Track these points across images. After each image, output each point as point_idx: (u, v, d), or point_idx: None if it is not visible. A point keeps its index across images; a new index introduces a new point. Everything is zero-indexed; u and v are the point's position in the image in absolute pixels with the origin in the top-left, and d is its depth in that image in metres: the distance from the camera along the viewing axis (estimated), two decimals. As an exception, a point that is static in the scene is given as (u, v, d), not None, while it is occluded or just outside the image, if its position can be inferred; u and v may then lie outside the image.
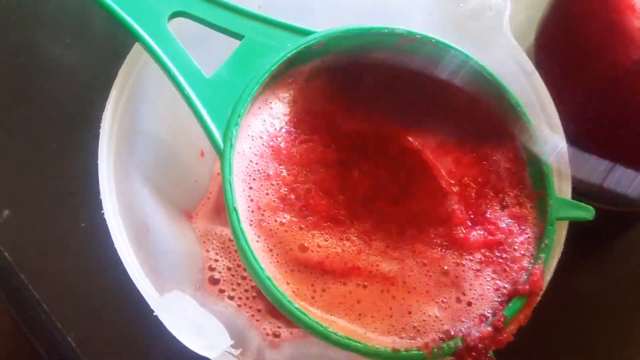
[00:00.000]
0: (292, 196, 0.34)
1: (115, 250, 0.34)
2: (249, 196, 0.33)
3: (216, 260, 0.45)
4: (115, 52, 0.37)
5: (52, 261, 0.47)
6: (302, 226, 0.33)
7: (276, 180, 0.34)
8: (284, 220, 0.33)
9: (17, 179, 0.49)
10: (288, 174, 0.34)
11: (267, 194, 0.34)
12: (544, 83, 0.38)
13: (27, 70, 0.52)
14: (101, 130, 0.35)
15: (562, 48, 0.44)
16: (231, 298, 0.44)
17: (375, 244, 0.34)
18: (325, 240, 0.34)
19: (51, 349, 0.45)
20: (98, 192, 0.35)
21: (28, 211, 0.48)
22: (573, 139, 0.38)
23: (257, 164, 0.34)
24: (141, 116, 0.38)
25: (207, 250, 0.45)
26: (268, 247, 0.33)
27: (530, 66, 0.38)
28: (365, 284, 0.33)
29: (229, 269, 0.45)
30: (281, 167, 0.34)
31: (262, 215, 0.33)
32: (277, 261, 0.32)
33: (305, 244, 0.33)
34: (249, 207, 0.33)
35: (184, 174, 0.45)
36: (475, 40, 0.38)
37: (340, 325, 0.32)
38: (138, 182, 0.38)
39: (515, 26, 0.39)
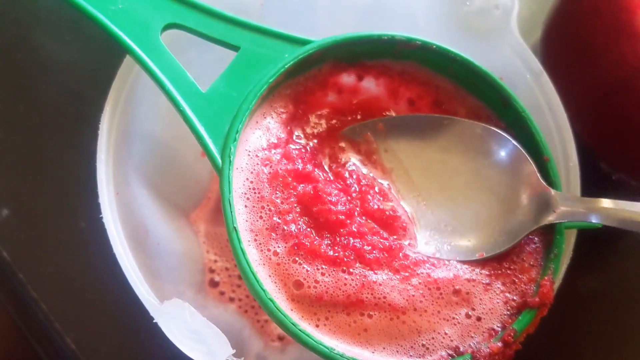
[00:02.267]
0: (285, 227, 0.32)
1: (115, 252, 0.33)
2: (244, 215, 0.32)
3: (215, 262, 0.44)
4: (114, 50, 0.36)
5: (51, 261, 0.46)
6: (297, 259, 0.32)
7: (268, 205, 0.33)
8: (278, 250, 0.32)
9: (15, 179, 0.48)
10: (282, 202, 0.33)
11: (260, 217, 0.32)
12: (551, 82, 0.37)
13: (25, 68, 0.51)
14: (99, 132, 0.34)
15: (569, 47, 0.44)
16: (231, 300, 0.43)
17: (381, 276, 0.33)
18: (323, 275, 0.32)
19: (50, 349, 0.45)
20: (97, 192, 0.34)
21: (27, 211, 0.47)
22: (580, 138, 0.37)
23: (251, 182, 0.33)
24: (140, 117, 0.37)
25: (207, 252, 0.45)
26: (267, 273, 0.32)
27: (538, 66, 0.37)
28: (371, 314, 0.32)
29: (227, 269, 0.44)
30: (276, 194, 0.33)
31: (256, 238, 0.32)
32: (278, 288, 0.31)
33: (301, 280, 0.31)
34: (245, 227, 0.32)
35: (183, 174, 0.44)
36: (481, 40, 0.38)
37: (346, 348, 0.31)
38: (137, 184, 0.37)
39: (519, 24, 0.38)
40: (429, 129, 0.36)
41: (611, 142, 0.44)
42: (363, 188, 0.35)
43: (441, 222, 0.36)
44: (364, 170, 0.36)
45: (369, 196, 0.35)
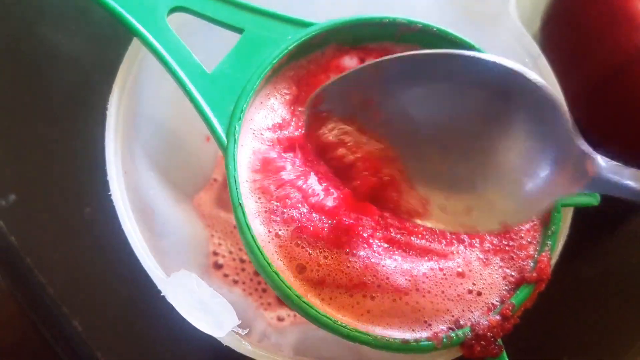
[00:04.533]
0: (284, 210, 0.33)
1: (120, 235, 0.34)
2: (247, 193, 0.33)
3: (220, 245, 0.45)
4: (119, 38, 0.36)
5: (58, 246, 0.47)
6: (299, 242, 0.32)
7: (267, 189, 0.33)
8: (279, 232, 0.32)
9: (22, 164, 0.49)
10: (276, 188, 0.33)
11: (259, 198, 0.33)
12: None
13: (31, 58, 0.52)
14: (108, 113, 0.35)
15: (567, 34, 0.44)
16: (235, 282, 0.44)
17: (385, 260, 0.33)
18: (325, 258, 0.32)
19: (57, 333, 0.46)
20: (103, 177, 0.35)
21: (34, 196, 0.48)
22: (579, 126, 0.38)
23: (252, 161, 0.33)
24: (147, 100, 0.38)
25: (212, 235, 0.45)
26: (272, 250, 0.32)
27: (536, 49, 0.38)
28: (374, 295, 0.32)
29: (231, 252, 0.45)
30: (273, 177, 0.33)
31: (258, 216, 0.32)
32: (283, 265, 0.32)
33: (303, 263, 0.32)
34: (248, 205, 0.32)
35: (189, 158, 0.45)
36: (481, 25, 0.38)
37: (348, 320, 0.31)
38: (143, 166, 0.38)
39: (521, 12, 0.39)
40: (439, 68, 0.32)
41: (609, 129, 0.44)
42: (350, 158, 0.33)
43: (459, 180, 0.32)
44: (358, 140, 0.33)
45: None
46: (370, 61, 0.34)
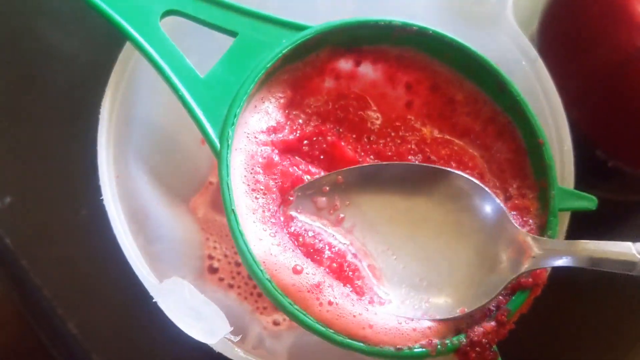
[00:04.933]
0: (281, 216, 0.32)
1: (115, 238, 0.34)
2: (242, 197, 0.32)
3: (215, 248, 0.45)
4: (116, 39, 0.36)
5: (54, 248, 0.47)
6: (291, 248, 0.32)
7: (263, 189, 0.33)
8: (276, 236, 0.32)
9: (18, 166, 0.49)
10: (275, 187, 0.33)
11: (256, 198, 0.33)
12: (547, 70, 0.37)
13: (29, 58, 0.52)
14: (100, 116, 0.35)
15: (565, 34, 0.44)
16: (231, 286, 0.44)
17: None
18: (320, 267, 0.32)
19: (52, 335, 0.46)
20: (98, 179, 0.34)
21: (30, 198, 0.48)
22: (576, 125, 0.37)
23: (247, 164, 0.33)
24: (140, 103, 0.37)
25: (207, 239, 0.45)
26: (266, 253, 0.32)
27: (533, 53, 0.37)
28: (377, 312, 0.32)
29: (226, 256, 0.45)
30: (272, 182, 0.33)
31: (254, 221, 0.32)
32: (277, 269, 0.31)
33: (298, 267, 0.31)
34: (242, 210, 0.32)
35: (183, 161, 0.45)
36: (478, 27, 0.38)
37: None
38: (137, 169, 0.38)
39: (518, 13, 0.39)
40: (389, 176, 0.35)
41: (607, 129, 0.44)
42: (319, 245, 0.34)
43: (415, 276, 0.34)
44: (319, 227, 0.35)
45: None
46: (330, 172, 0.36)
